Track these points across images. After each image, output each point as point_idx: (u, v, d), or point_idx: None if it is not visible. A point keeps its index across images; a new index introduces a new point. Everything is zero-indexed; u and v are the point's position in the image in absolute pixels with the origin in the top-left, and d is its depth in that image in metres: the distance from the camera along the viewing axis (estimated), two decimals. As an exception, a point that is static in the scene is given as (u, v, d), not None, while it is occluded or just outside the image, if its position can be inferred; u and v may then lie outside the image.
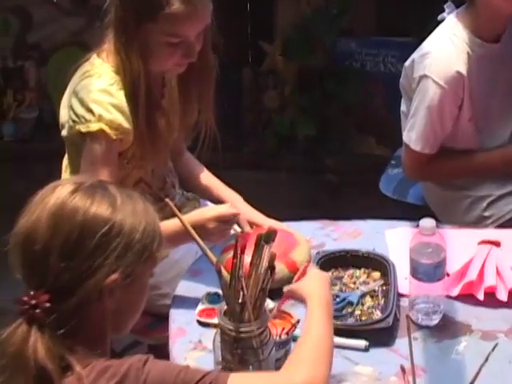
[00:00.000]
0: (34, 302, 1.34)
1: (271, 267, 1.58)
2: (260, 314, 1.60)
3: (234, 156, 4.13)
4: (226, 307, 1.62)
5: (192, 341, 1.89)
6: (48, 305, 1.35)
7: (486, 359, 1.43)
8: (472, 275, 1.98)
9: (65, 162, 2.27)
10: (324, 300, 1.59)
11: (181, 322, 1.96)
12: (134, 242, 1.40)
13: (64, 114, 2.14)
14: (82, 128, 2.04)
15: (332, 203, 3.83)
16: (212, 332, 1.73)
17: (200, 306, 1.97)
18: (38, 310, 1.34)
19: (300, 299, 1.64)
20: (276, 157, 4.25)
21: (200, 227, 1.98)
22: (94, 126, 2.02)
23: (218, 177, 2.40)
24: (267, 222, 2.17)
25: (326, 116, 4.17)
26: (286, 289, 1.71)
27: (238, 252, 1.58)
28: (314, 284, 1.65)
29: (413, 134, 2.46)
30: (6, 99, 4.46)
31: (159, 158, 2.21)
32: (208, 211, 2.08)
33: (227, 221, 2.05)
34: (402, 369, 1.46)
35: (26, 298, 1.35)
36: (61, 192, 1.40)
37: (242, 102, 4.34)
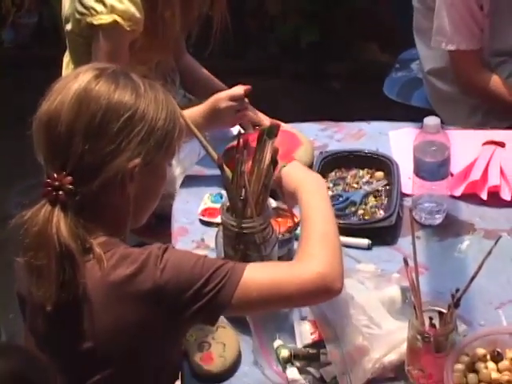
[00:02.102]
0: (56, 183, 1.35)
1: (274, 162, 1.56)
2: (262, 210, 1.59)
3: (237, 63, 4.09)
4: (228, 203, 1.61)
5: (194, 240, 1.90)
6: (71, 187, 1.35)
7: (489, 253, 1.43)
8: (476, 175, 1.97)
9: (66, 58, 2.21)
10: (314, 184, 1.56)
11: (183, 221, 1.97)
12: (156, 128, 1.40)
13: (68, 7, 2.07)
14: (94, 20, 1.98)
15: (335, 110, 3.77)
16: (214, 231, 1.73)
17: (202, 206, 1.98)
18: (60, 192, 1.35)
19: (290, 194, 1.59)
20: (279, 64, 4.20)
21: (213, 109, 2.02)
22: (107, 18, 1.97)
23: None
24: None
25: (330, 22, 4.10)
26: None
27: (241, 147, 1.56)
28: (298, 172, 1.61)
29: (443, 36, 2.39)
30: (4, 4, 4.36)
31: (166, 50, 2.17)
32: (220, 93, 2.08)
33: (239, 99, 2.04)
34: (405, 261, 1.45)
35: (49, 180, 1.36)
36: (83, 78, 1.39)
37: (245, 8, 4.26)
